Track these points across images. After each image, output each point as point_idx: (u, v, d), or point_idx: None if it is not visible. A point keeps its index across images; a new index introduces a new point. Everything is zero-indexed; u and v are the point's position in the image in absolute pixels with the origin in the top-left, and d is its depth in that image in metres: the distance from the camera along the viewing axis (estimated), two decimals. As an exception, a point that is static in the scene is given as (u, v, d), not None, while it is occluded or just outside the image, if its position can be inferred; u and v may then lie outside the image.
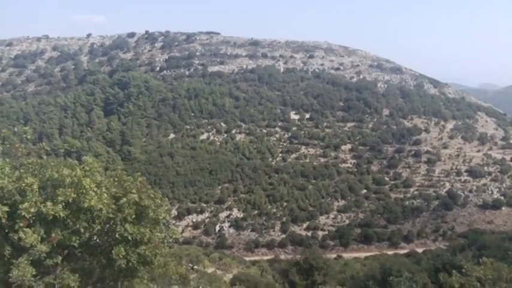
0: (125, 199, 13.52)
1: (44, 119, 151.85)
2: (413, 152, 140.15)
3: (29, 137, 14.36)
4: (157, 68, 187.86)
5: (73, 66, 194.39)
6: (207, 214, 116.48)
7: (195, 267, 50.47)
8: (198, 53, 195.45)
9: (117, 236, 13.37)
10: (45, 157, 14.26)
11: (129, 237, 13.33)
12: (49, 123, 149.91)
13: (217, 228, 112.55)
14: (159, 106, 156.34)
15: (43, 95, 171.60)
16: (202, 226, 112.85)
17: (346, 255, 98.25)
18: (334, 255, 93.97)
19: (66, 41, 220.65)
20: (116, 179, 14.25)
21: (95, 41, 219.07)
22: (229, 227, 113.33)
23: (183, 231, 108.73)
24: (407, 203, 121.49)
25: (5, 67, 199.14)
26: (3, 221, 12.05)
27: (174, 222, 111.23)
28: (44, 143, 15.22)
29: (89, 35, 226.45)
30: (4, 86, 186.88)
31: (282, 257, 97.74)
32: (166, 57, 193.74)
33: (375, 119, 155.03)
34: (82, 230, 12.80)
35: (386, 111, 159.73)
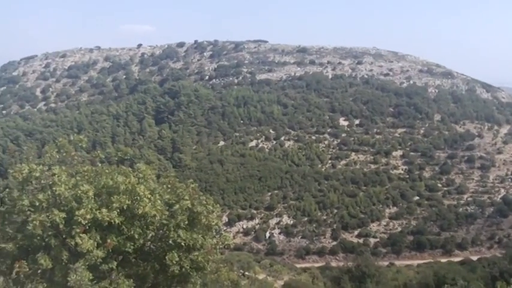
0: (177, 205, 13.68)
1: (97, 128, 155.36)
2: (466, 158, 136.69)
3: (84, 145, 14.70)
4: (207, 77, 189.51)
5: (124, 76, 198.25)
6: (257, 220, 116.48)
7: (246, 273, 50.57)
8: (246, 61, 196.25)
9: (170, 242, 13.53)
10: (99, 165, 14.57)
11: (182, 243, 13.47)
12: (102, 132, 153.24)
13: (268, 234, 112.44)
14: (209, 114, 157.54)
15: (96, 105, 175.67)
16: (253, 232, 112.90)
17: (399, 263, 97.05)
18: (386, 263, 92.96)
19: (117, 51, 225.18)
20: (169, 186, 14.41)
21: (145, 51, 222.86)
22: (280, 233, 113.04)
23: (234, 237, 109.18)
24: (460, 209, 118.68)
25: (59, 78, 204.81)
26: (61, 226, 12.37)
27: (225, 228, 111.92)
28: (98, 151, 15.50)
29: (139, 45, 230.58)
30: (59, 96, 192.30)
31: (333, 264, 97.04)
32: (215, 66, 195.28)
33: (426, 125, 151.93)
34: (136, 236, 13.01)
35: (437, 117, 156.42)
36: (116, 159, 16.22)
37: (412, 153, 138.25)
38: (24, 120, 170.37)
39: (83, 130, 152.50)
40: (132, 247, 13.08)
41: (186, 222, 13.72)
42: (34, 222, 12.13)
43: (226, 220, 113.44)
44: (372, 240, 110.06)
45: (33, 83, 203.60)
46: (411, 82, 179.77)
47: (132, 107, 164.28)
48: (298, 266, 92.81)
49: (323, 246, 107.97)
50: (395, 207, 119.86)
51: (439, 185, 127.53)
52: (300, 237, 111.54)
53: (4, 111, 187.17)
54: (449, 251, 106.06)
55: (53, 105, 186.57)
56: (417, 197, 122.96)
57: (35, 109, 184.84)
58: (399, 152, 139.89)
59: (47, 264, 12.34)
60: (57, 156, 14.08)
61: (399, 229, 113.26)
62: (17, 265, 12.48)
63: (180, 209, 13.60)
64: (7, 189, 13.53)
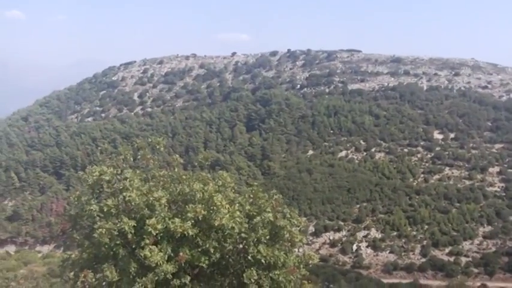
0: (259, 218, 12.51)
1: (190, 133, 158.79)
2: None
3: (162, 148, 13.87)
4: (298, 86, 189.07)
5: (218, 84, 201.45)
6: (344, 232, 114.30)
7: (331, 286, 49.08)
8: (338, 71, 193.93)
9: (249, 257, 12.35)
10: (176, 169, 13.71)
11: (262, 260, 12.25)
12: (195, 137, 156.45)
13: (354, 247, 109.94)
14: (299, 123, 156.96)
15: (190, 110, 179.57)
16: (339, 244, 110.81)
17: (491, 285, 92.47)
18: (478, 284, 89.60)
19: (212, 59, 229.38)
20: (251, 196, 13.32)
21: (239, 59, 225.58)
22: (367, 247, 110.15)
23: (319, 248, 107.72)
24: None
25: (156, 83, 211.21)
26: (130, 236, 11.57)
27: (311, 238, 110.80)
28: (176, 155, 14.64)
29: (233, 54, 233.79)
30: (155, 101, 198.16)
31: (422, 281, 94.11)
32: (307, 75, 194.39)
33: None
34: (212, 250, 11.95)
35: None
36: (196, 164, 15.38)
37: (510, 170, 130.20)
38: (122, 123, 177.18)
39: (177, 135, 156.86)
40: (207, 261, 12.04)
41: (268, 237, 12.49)
42: (100, 229, 11.39)
43: (313, 230, 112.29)
44: (464, 259, 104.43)
45: (131, 87, 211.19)
46: (511, 96, 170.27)
47: (224, 114, 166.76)
48: (385, 281, 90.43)
49: (411, 262, 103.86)
50: (489, 226, 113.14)
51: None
52: (388, 251, 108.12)
53: (103, 114, 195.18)
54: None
55: (149, 109, 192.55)
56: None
57: (132, 113, 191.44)
58: (496, 169, 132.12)
59: (113, 276, 11.52)
60: (132, 159, 13.36)
61: (493, 249, 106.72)
62: (83, 275, 11.82)
63: (261, 222, 12.41)
64: (77, 192, 12.92)
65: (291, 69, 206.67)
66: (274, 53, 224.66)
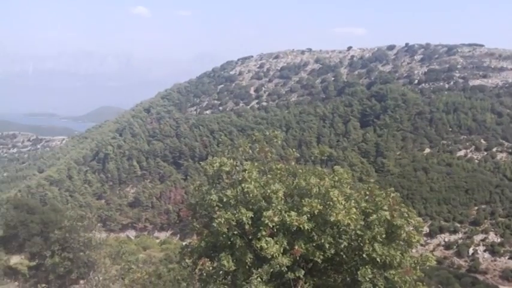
0: (375, 216, 12.24)
1: (303, 128, 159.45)
2: None
3: (279, 142, 13.97)
4: (416, 81, 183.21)
5: (333, 78, 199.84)
6: (460, 235, 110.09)
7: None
8: (459, 66, 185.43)
9: (364, 255, 12.14)
10: (293, 163, 13.76)
11: (378, 259, 11.99)
12: (308, 132, 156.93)
13: (471, 251, 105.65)
14: (416, 119, 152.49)
15: (304, 105, 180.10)
16: (455, 247, 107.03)
17: None
18: None
19: (327, 53, 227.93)
20: (367, 193, 13.08)
21: (354, 54, 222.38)
22: (484, 251, 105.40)
23: (433, 249, 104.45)
24: None
25: (272, 78, 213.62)
26: (247, 227, 11.76)
27: (425, 239, 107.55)
28: (293, 149, 14.67)
29: (349, 48, 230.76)
30: (270, 95, 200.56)
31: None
32: (425, 70, 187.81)
33: None
34: (327, 245, 11.87)
35: None
36: (318, 158, 15.32)
37: None
38: (238, 116, 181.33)
39: (291, 129, 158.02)
40: (321, 257, 11.97)
41: (384, 236, 12.20)
42: (219, 219, 11.68)
43: (428, 231, 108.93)
44: None
45: (247, 82, 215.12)
46: None
47: (338, 109, 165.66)
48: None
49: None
50: None
51: None
52: (507, 257, 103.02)
53: (221, 107, 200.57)
54: None
55: (264, 103, 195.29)
56: None
57: (248, 106, 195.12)
58: None
59: (230, 265, 11.77)
60: (250, 152, 13.57)
61: None
62: (201, 262, 12.20)
63: (377, 220, 12.13)
64: (198, 182, 13.34)
65: (408, 63, 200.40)
66: (391, 47, 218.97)
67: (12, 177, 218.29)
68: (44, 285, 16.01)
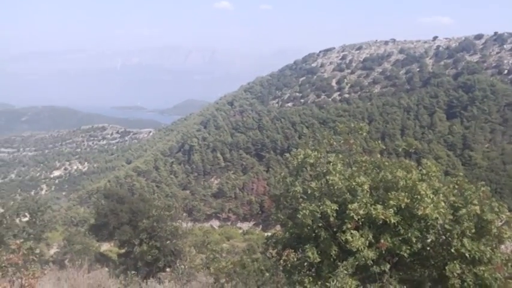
0: (464, 210, 11.81)
1: (387, 120, 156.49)
2: None
3: (364, 134, 13.76)
4: (505, 71, 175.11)
5: (418, 69, 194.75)
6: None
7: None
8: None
9: (452, 250, 11.75)
10: (378, 155, 13.51)
11: (467, 254, 11.56)
12: (392, 124, 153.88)
13: None
14: (505, 111, 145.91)
15: (387, 97, 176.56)
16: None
17: None
18: None
19: (412, 43, 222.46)
20: (456, 187, 12.64)
21: (440, 44, 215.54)
22: None
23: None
24: None
25: (354, 69, 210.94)
26: (331, 219, 11.68)
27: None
28: (378, 141, 14.43)
29: (435, 38, 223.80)
30: (352, 87, 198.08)
31: None
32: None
33: None
34: (414, 240, 11.58)
35: None
36: (401, 150, 15.00)
37: None
38: (320, 108, 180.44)
39: (374, 121, 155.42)
40: (408, 251, 11.69)
41: (473, 231, 11.75)
42: (304, 211, 11.65)
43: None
44: None
45: (329, 74, 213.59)
46: None
47: (423, 100, 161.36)
48: None
49: None
50: None
51: None
52: None
53: (302, 100, 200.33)
54: None
55: (346, 95, 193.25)
56: None
57: (330, 99, 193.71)
58: None
59: (314, 257, 11.72)
60: (335, 143, 13.44)
61: None
62: (285, 253, 12.25)
63: (466, 214, 11.69)
64: (282, 174, 13.38)
65: (497, 53, 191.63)
66: (479, 36, 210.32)
67: (102, 168, 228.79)
68: (133, 272, 16.61)
